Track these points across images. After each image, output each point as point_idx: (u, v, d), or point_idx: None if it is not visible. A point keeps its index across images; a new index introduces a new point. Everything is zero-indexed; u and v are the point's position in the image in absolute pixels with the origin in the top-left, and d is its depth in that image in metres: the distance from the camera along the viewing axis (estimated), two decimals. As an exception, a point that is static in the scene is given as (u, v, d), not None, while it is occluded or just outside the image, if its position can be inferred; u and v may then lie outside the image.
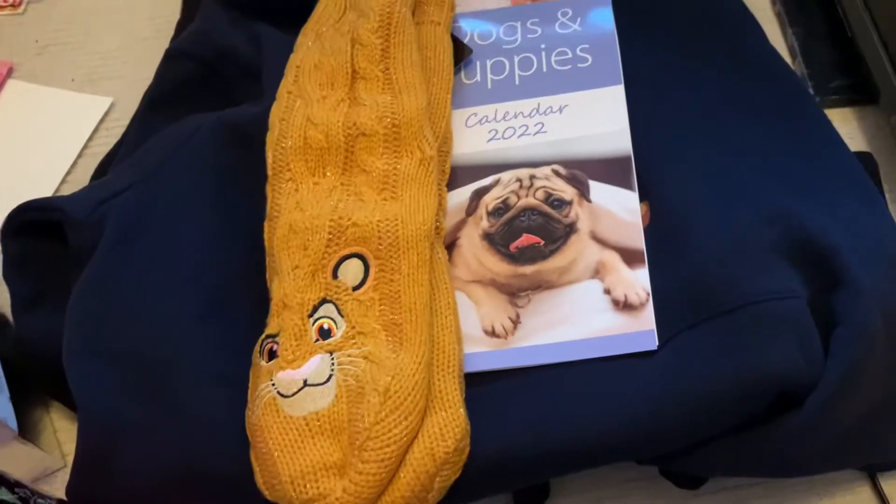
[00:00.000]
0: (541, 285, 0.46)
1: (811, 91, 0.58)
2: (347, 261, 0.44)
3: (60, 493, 0.44)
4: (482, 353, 0.45)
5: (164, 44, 0.60)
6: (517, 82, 0.53)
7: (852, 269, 0.42)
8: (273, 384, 0.41)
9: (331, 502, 0.38)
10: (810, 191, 0.46)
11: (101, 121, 0.61)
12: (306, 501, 0.39)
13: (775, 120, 0.50)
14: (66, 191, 0.58)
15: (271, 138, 0.49)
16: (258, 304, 0.45)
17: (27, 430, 0.46)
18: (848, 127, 0.57)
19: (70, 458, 0.48)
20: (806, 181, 0.47)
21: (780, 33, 0.62)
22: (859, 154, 0.52)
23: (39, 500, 0.40)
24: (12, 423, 0.44)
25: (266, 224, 0.47)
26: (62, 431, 0.50)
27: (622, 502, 0.46)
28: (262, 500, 0.41)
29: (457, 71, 0.53)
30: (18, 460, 0.46)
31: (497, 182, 0.49)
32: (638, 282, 0.45)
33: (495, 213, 0.48)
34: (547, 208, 0.48)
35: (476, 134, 0.51)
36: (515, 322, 0.45)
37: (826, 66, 0.59)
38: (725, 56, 0.53)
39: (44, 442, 0.48)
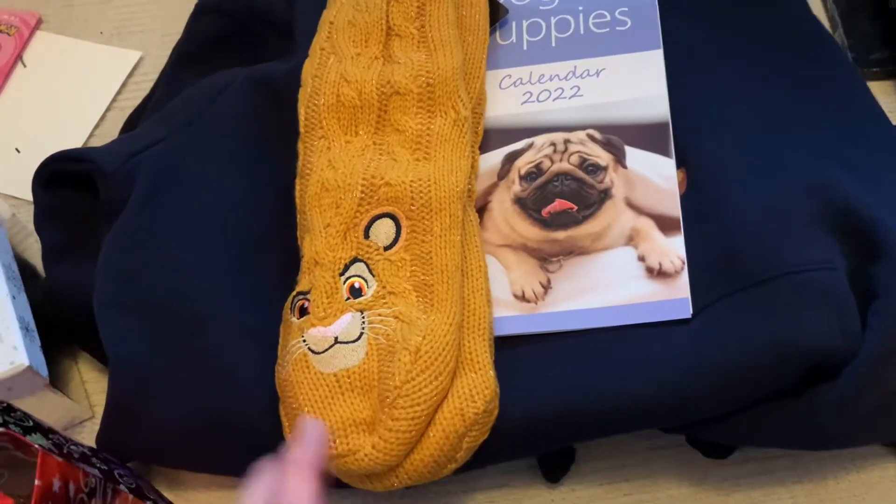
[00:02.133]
0: (573, 251, 0.45)
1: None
2: (379, 220, 0.44)
3: (88, 444, 0.44)
4: (512, 317, 0.44)
5: (194, -2, 0.59)
6: (554, 44, 0.52)
7: (893, 242, 0.41)
8: (304, 340, 0.41)
9: (360, 458, 0.39)
10: (851, 163, 0.46)
11: (130, 75, 0.61)
12: (335, 457, 0.39)
13: (817, 91, 0.49)
14: (94, 144, 0.58)
15: (304, 95, 0.48)
16: (288, 259, 0.45)
17: (56, 380, 0.46)
18: (889, 100, 0.56)
19: (98, 409, 0.49)
20: (847, 153, 0.46)
21: (820, 4, 0.60)
22: (901, 128, 0.51)
23: (73, 447, 0.40)
24: (43, 370, 0.44)
25: (297, 181, 0.47)
26: (90, 382, 0.50)
27: (648, 469, 0.46)
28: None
29: (492, 31, 0.52)
30: (48, 408, 0.46)
31: (530, 146, 0.49)
32: (673, 249, 0.44)
33: (528, 177, 0.48)
34: (581, 173, 0.47)
35: (510, 96, 0.51)
36: (546, 287, 0.45)
37: (867, 37, 0.58)
38: (767, 26, 0.52)
39: (72, 392, 0.48)
